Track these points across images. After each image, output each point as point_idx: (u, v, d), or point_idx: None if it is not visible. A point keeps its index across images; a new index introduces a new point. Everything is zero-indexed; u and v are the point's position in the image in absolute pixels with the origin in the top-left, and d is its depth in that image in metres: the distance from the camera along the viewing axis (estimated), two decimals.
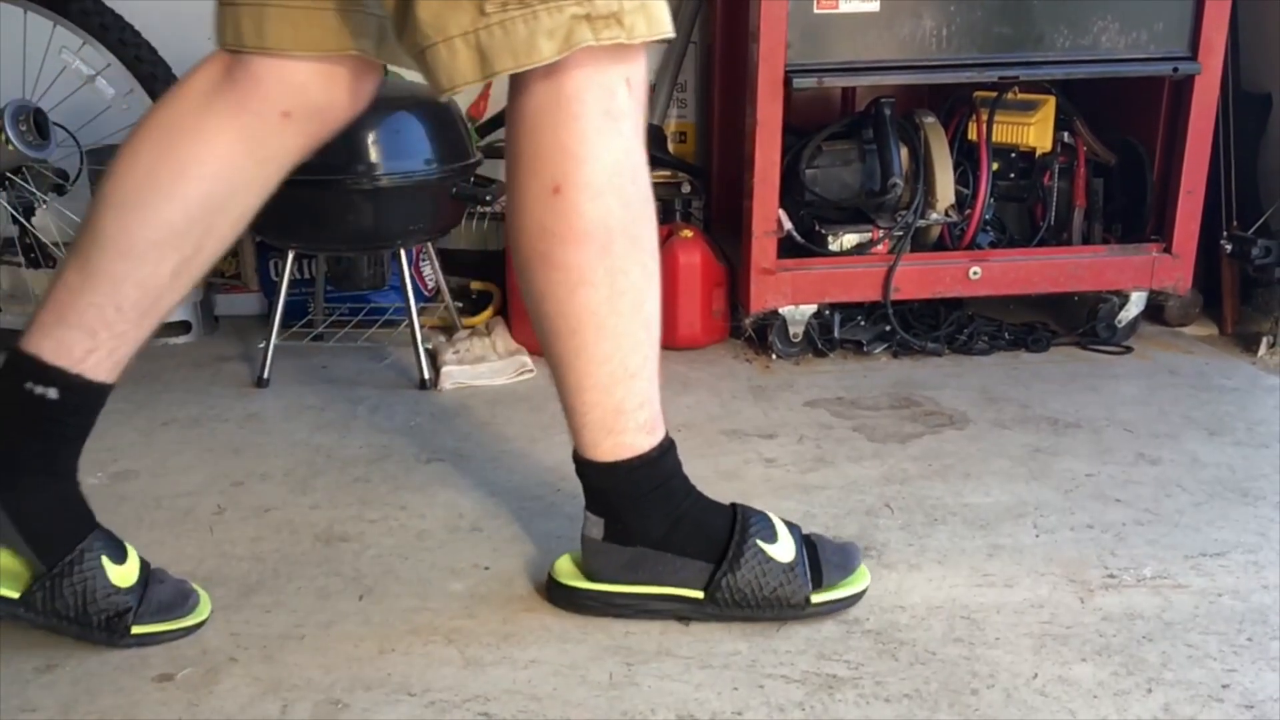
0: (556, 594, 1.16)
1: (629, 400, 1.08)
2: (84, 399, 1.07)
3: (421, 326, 1.83)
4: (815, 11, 1.75)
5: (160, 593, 1.12)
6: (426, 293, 2.15)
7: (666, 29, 1.00)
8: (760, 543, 1.11)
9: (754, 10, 1.76)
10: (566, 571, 1.17)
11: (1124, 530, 1.32)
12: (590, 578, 1.14)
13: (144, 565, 1.12)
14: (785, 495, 1.41)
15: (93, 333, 1.05)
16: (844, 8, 1.75)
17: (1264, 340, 1.92)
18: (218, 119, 1.06)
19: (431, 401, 1.75)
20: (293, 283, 1.91)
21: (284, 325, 1.89)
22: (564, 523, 1.33)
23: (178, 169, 1.05)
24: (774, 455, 1.54)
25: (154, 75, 1.85)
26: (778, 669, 1.06)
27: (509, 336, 1.97)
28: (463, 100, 1.90)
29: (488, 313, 2.10)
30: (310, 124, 1.09)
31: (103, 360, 1.06)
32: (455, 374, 1.82)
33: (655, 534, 1.11)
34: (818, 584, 1.12)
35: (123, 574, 1.09)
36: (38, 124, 1.80)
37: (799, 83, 1.77)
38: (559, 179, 0.99)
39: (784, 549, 1.12)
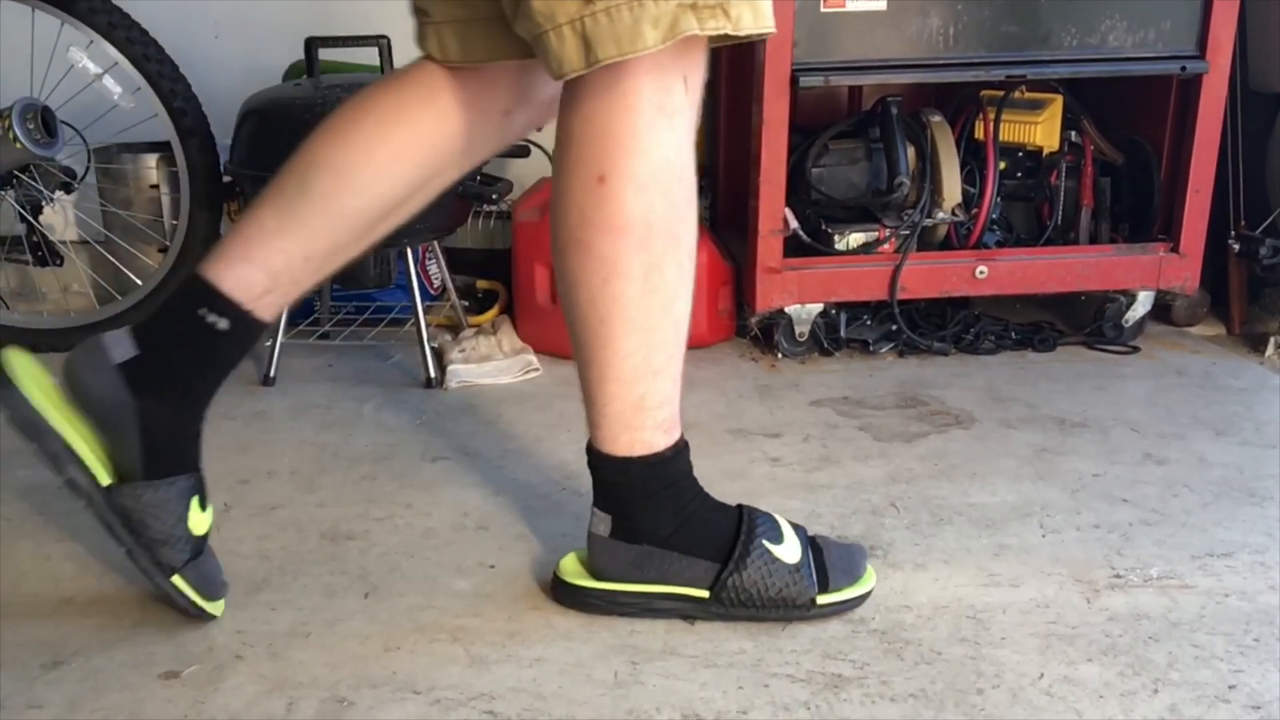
0: (562, 593, 1.16)
1: (650, 397, 1.08)
2: (248, 334, 1.10)
3: (427, 325, 1.83)
4: (822, 10, 1.75)
5: (209, 565, 1.13)
6: (432, 291, 2.15)
7: (771, 24, 0.99)
8: (766, 543, 1.11)
9: None
10: (572, 570, 1.17)
11: (1130, 530, 1.31)
12: (596, 576, 1.15)
13: (209, 531, 1.14)
14: (791, 494, 1.41)
15: (276, 275, 1.08)
16: (850, 6, 1.75)
17: (1271, 340, 1.91)
18: (440, 113, 1.10)
19: (437, 400, 1.75)
20: None
21: (290, 324, 1.89)
22: (570, 521, 1.33)
23: (397, 152, 1.09)
24: (779, 454, 1.54)
25: (161, 73, 1.85)
26: (783, 668, 1.06)
27: (515, 335, 1.97)
28: None
29: (493, 311, 2.10)
30: (524, 119, 1.14)
31: (274, 302, 1.10)
32: (461, 373, 1.82)
33: (662, 532, 1.11)
34: (824, 587, 1.12)
35: (199, 521, 1.11)
36: (45, 122, 1.81)
37: (805, 81, 1.77)
38: (605, 169, 0.99)
39: (790, 550, 1.12)
